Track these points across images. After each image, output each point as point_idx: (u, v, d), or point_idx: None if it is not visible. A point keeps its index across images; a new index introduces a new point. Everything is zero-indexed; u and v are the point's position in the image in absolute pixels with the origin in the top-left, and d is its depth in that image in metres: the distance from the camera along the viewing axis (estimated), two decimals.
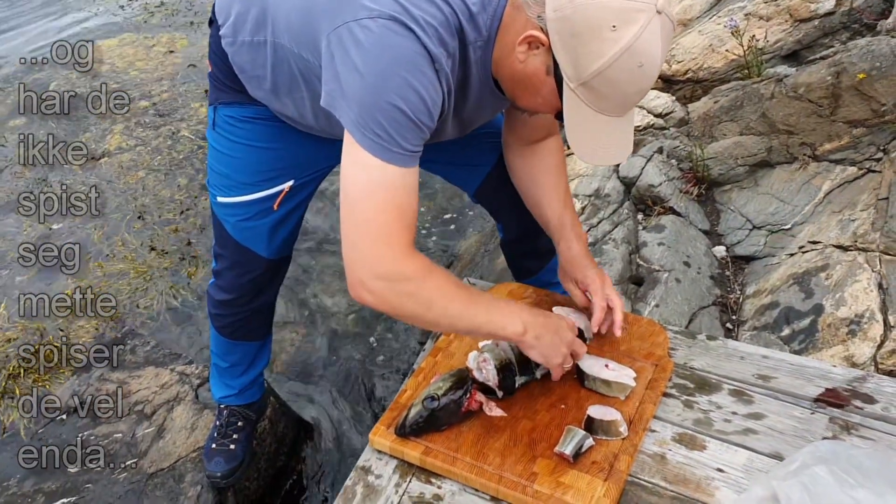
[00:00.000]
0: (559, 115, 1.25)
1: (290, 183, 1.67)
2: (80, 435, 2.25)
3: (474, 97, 1.36)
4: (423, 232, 3.51)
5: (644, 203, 2.97)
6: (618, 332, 1.54)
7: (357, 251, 1.26)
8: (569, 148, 1.31)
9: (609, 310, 1.55)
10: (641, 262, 2.69)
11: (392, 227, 1.25)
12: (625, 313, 1.67)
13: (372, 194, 1.24)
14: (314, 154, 1.66)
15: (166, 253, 3.29)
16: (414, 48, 1.17)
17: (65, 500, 2.07)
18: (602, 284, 1.56)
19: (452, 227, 3.54)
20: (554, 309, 1.59)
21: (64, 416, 2.33)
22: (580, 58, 1.15)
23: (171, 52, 5.13)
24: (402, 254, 1.26)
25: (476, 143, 1.73)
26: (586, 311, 1.60)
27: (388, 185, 1.24)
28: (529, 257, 1.95)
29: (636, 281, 2.64)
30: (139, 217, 3.53)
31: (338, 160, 1.73)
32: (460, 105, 1.36)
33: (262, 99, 1.55)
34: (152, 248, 3.30)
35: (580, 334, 1.54)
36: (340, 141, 1.60)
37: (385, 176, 1.23)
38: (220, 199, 1.70)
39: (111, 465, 2.15)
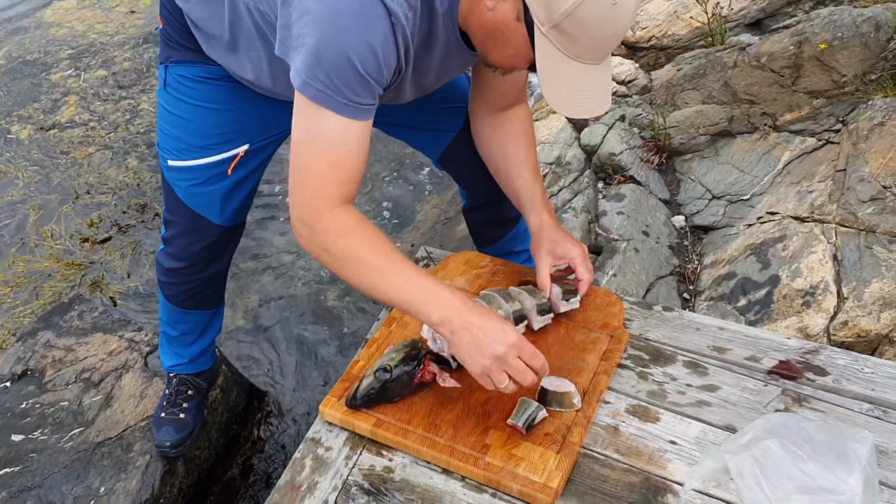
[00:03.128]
0: (532, 67, 1.20)
1: (245, 147, 1.61)
2: (24, 403, 2.19)
3: (440, 53, 1.31)
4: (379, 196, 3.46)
5: (605, 171, 2.96)
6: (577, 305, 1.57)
7: (293, 195, 1.28)
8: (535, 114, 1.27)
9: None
10: (600, 232, 2.68)
11: (324, 179, 1.24)
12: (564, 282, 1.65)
13: (309, 143, 1.23)
14: (271, 117, 1.60)
15: (99, 243, 3.17)
16: (372, 1, 1.13)
17: (8, 470, 2.01)
18: (584, 258, 1.55)
19: (411, 189, 3.49)
20: (511, 289, 1.56)
21: (8, 384, 2.26)
22: None
23: (133, 12, 4.93)
24: (326, 206, 1.25)
25: (441, 109, 1.69)
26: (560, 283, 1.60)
27: (325, 138, 1.22)
28: (492, 225, 1.91)
29: (595, 250, 2.63)
30: (79, 198, 3.40)
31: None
32: (425, 63, 1.31)
33: (217, 58, 1.48)
34: (84, 240, 3.18)
35: (548, 308, 1.53)
36: None
37: (323, 127, 1.21)
38: (170, 162, 1.63)
39: (57, 434, 2.10)
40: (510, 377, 1.24)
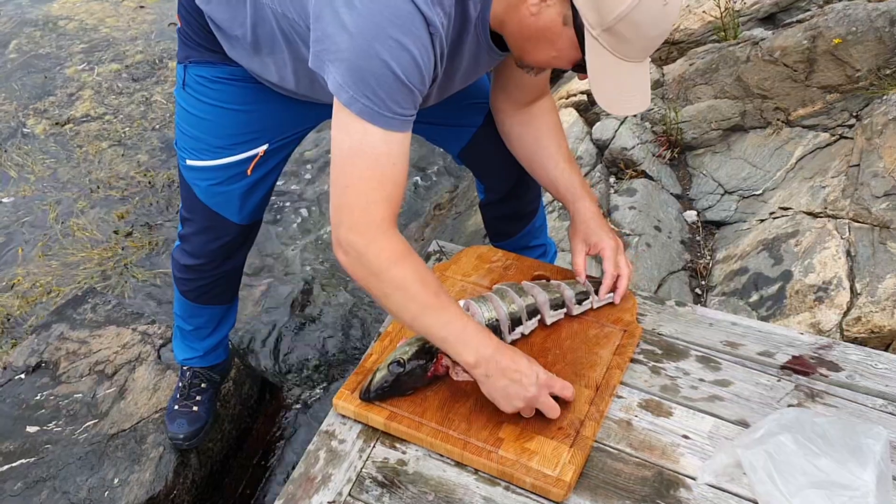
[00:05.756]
0: (576, 67, 1.21)
1: (265, 147, 1.61)
2: (39, 394, 2.21)
3: (469, 57, 1.31)
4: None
5: (616, 166, 2.95)
6: (616, 300, 1.56)
7: (339, 214, 1.24)
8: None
9: (617, 277, 1.55)
10: (612, 226, 2.68)
11: (371, 196, 1.21)
12: (597, 278, 1.64)
13: (354, 160, 1.20)
14: (290, 117, 1.60)
15: (128, 234, 3.21)
16: (407, 8, 1.11)
17: (24, 461, 2.03)
18: (616, 251, 1.55)
19: (426, 185, 3.50)
20: (524, 284, 1.56)
21: (23, 376, 2.28)
22: (604, 1, 1.10)
23: (142, 7, 4.94)
24: (377, 228, 1.22)
25: (462, 105, 1.68)
26: (591, 278, 1.60)
27: (370, 151, 1.19)
28: (510, 219, 1.91)
29: None
30: (96, 192, 3.43)
31: (315, 123, 1.70)
32: (454, 68, 1.31)
33: (239, 59, 1.47)
34: (115, 231, 3.22)
35: (560, 303, 1.53)
36: (318, 104, 1.55)
37: (368, 140, 1.18)
38: (189, 162, 1.63)
39: (71, 426, 2.11)
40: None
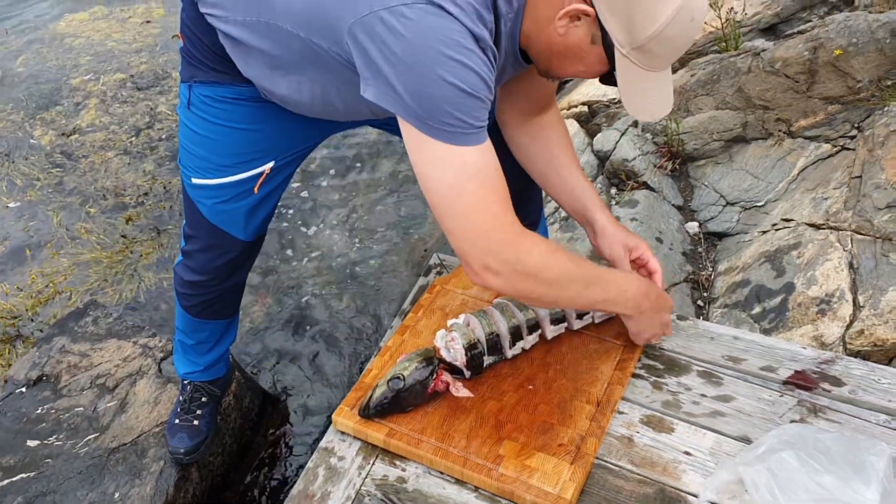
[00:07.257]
0: (604, 79, 1.25)
1: (271, 164, 1.61)
2: (40, 408, 2.20)
3: (498, 71, 1.32)
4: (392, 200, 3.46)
5: (618, 177, 2.95)
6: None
7: (471, 245, 1.23)
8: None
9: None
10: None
11: (493, 210, 1.22)
12: None
13: (463, 186, 1.20)
14: (297, 134, 1.60)
15: (133, 239, 3.22)
16: (457, 28, 1.12)
17: (24, 475, 2.03)
18: (650, 250, 1.58)
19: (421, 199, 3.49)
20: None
21: (23, 390, 2.28)
22: (635, 24, 1.12)
23: (148, 22, 4.96)
24: (515, 235, 1.24)
25: None
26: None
27: (474, 172, 1.19)
28: None
29: None
30: (104, 199, 3.45)
31: (321, 138, 1.69)
32: None
33: (252, 77, 1.45)
34: (123, 236, 3.24)
35: (561, 317, 1.55)
36: (324, 121, 1.55)
37: (467, 163, 1.19)
38: (195, 180, 1.62)
39: (72, 440, 2.11)
40: None
